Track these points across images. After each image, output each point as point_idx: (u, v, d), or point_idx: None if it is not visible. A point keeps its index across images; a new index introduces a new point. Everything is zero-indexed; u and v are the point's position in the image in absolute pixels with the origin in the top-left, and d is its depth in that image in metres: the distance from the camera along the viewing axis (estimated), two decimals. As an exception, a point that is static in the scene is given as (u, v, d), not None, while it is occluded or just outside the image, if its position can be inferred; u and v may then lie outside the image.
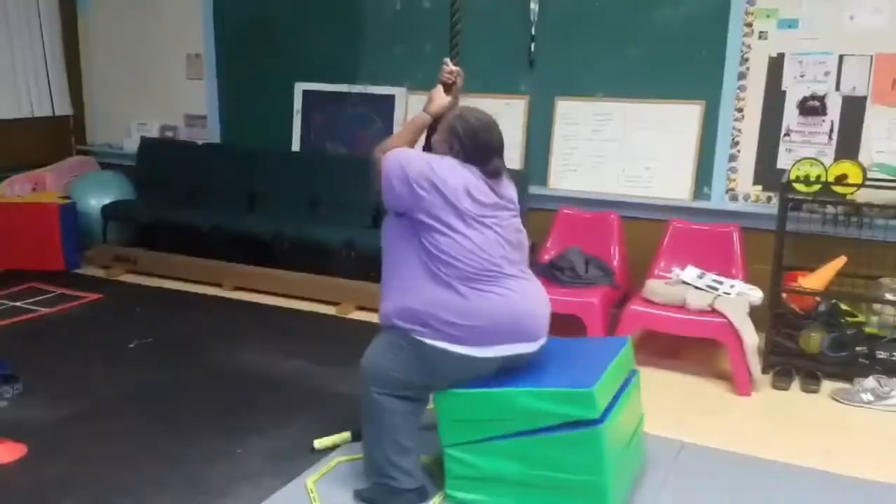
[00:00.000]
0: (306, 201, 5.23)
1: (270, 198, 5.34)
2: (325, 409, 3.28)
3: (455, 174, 2.43)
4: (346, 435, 2.96)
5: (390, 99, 5.09)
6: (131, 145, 5.90)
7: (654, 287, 3.84)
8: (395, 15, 4.99)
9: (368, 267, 4.72)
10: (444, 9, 4.77)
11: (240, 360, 3.83)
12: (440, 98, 2.69)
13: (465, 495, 2.52)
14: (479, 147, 2.48)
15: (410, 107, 5.01)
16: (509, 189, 2.60)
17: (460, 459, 2.49)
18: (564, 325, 4.02)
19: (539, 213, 4.61)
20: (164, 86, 5.86)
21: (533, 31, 4.55)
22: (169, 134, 5.89)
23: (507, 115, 4.70)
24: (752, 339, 3.62)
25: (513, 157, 4.73)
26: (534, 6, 4.51)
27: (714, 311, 3.68)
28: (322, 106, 5.33)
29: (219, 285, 5.04)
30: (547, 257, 4.40)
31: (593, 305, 3.88)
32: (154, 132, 5.91)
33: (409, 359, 2.45)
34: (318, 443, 2.93)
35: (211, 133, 5.76)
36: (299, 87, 5.37)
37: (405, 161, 2.45)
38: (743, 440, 3.12)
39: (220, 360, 3.83)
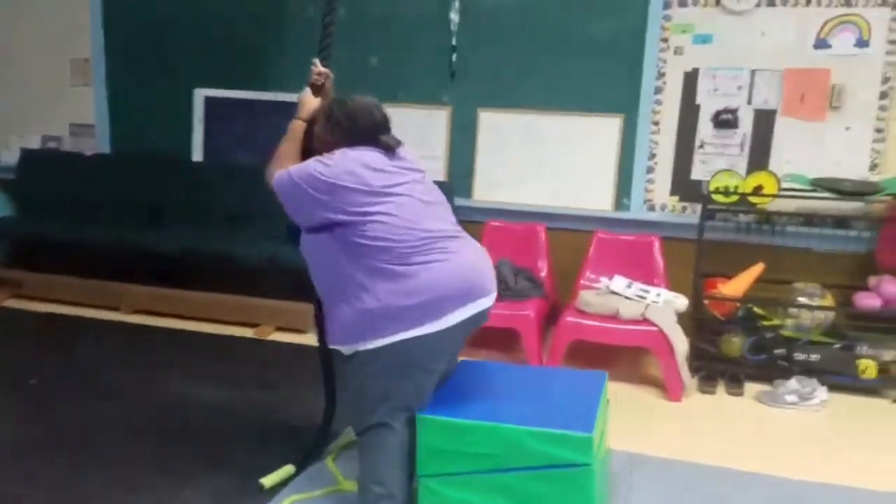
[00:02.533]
0: (215, 215, 4.92)
1: (174, 212, 4.99)
2: (263, 442, 3.06)
3: (345, 159, 2.34)
4: (290, 468, 2.77)
5: (302, 108, 4.87)
6: (10, 158, 5.36)
7: (587, 298, 3.87)
8: (306, 22, 4.79)
9: (288, 284, 4.51)
10: (361, 17, 4.67)
11: (158, 392, 3.52)
12: (310, 101, 2.60)
13: (439, 529, 2.40)
14: (361, 130, 2.42)
15: (324, 116, 4.82)
16: (409, 154, 2.51)
17: (437, 491, 2.37)
18: (498, 338, 4.01)
19: (464, 226, 4.53)
20: (47, 93, 5.37)
21: (454, 42, 4.49)
22: (52, 145, 5.40)
23: (430, 127, 4.63)
24: (682, 346, 3.71)
25: (437, 168, 4.65)
26: (454, 17, 4.46)
27: (645, 321, 3.74)
28: (227, 114, 5.04)
29: (116, 309, 4.65)
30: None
31: (529, 318, 3.86)
32: (35, 143, 5.39)
33: (385, 368, 2.30)
34: (267, 480, 2.72)
35: (100, 143, 5.33)
36: (200, 94, 5.06)
37: (296, 173, 2.35)
38: (688, 447, 3.17)
39: (137, 393, 3.51)
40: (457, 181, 4.63)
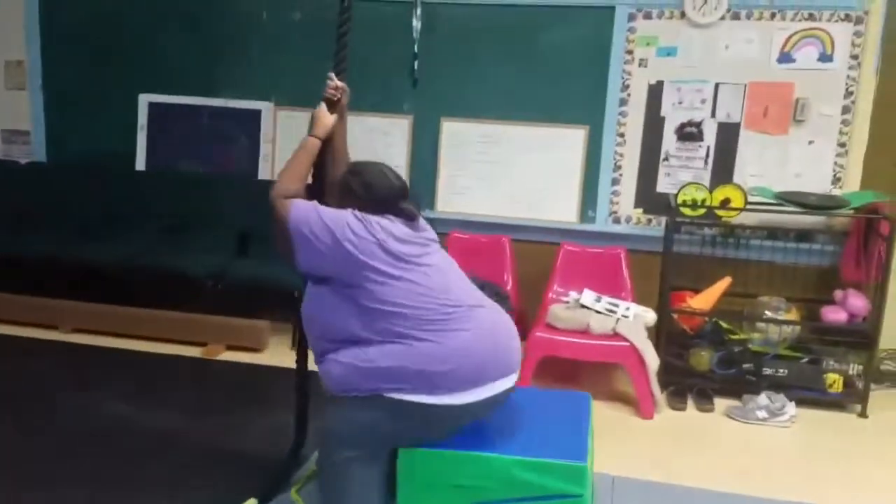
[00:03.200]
0: (160, 226, 4.65)
1: (115, 223, 4.69)
2: (218, 472, 2.85)
3: (383, 222, 2.22)
4: (253, 502, 2.57)
5: (256, 114, 4.67)
6: (-66, 165, 4.98)
7: (558, 313, 3.77)
8: (260, 26, 4.60)
9: (239, 300, 4.29)
10: (316, 21, 4.49)
11: (102, 418, 3.26)
12: (325, 117, 2.45)
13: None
14: (380, 199, 2.29)
15: (279, 122, 4.63)
16: (426, 225, 2.43)
17: (418, 528, 2.21)
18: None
19: (425, 238, 4.41)
20: (-24, 97, 5.02)
21: (416, 49, 4.36)
22: (-19, 151, 5.05)
23: (391, 136, 4.49)
24: (654, 361, 3.65)
25: (395, 179, 4.50)
26: (416, 23, 4.33)
27: (616, 335, 3.67)
28: (173, 120, 4.79)
29: (54, 327, 4.34)
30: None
31: (498, 335, 3.73)
32: (-38, 149, 5.04)
33: (382, 416, 2.15)
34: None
35: (36, 150, 5.00)
36: (144, 100, 4.80)
37: (325, 212, 2.21)
38: (665, 468, 3.09)
39: (78, 418, 3.25)
40: (419, 192, 4.48)
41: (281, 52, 4.56)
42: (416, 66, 4.39)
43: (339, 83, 2.49)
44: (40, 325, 4.33)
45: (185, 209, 4.65)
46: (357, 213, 2.22)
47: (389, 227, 2.22)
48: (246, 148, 4.70)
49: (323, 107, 2.46)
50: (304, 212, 2.21)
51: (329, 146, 2.50)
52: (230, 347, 4.20)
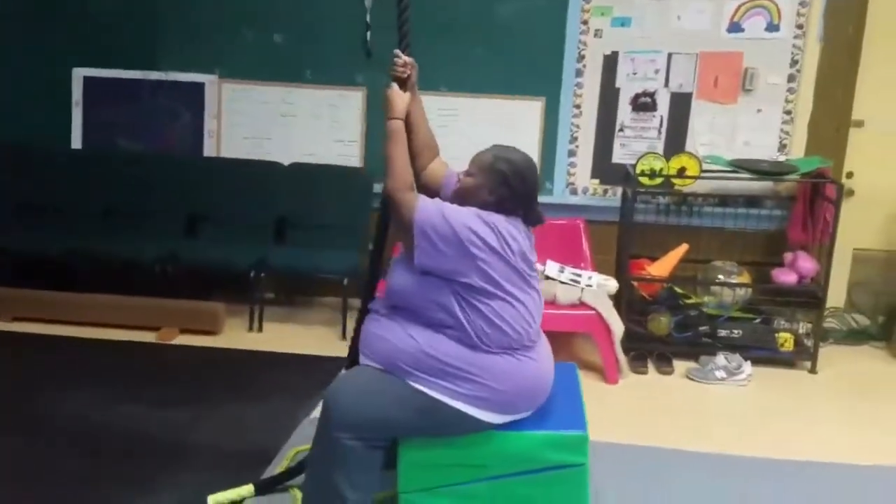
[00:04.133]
0: (101, 208, 4.44)
1: (53, 206, 4.45)
2: (193, 463, 2.75)
3: (512, 231, 2.14)
4: (249, 488, 2.50)
5: (199, 88, 4.48)
6: None
7: (523, 285, 3.78)
8: (200, -7, 4.40)
9: (192, 282, 4.15)
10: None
11: (60, 412, 3.10)
12: (399, 97, 2.32)
13: (422, 543, 2.23)
14: (528, 192, 2.21)
15: (224, 96, 4.45)
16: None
17: (418, 504, 2.20)
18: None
19: (383, 214, 4.35)
20: None
21: (368, 20, 4.25)
22: None
23: (344, 109, 4.39)
24: (619, 328, 3.72)
25: (351, 153, 4.42)
26: (368, -7, 4.22)
27: (582, 305, 3.72)
28: (110, 96, 4.54)
29: (-8, 317, 4.10)
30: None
31: (466, 308, 3.73)
32: None
33: (413, 413, 2.11)
34: (213, 500, 2.45)
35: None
36: (79, 74, 4.53)
37: (451, 215, 2.09)
38: (635, 431, 3.17)
39: (36, 413, 3.08)
40: (375, 166, 4.42)
41: (225, 21, 4.37)
42: (368, 37, 4.29)
43: (407, 59, 2.36)
44: (-26, 316, 4.08)
45: (127, 189, 4.45)
46: (485, 216, 2.12)
47: (518, 239, 2.15)
48: (189, 124, 4.51)
49: (394, 86, 2.34)
50: (428, 213, 2.10)
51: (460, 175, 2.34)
52: (184, 331, 4.05)
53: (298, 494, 2.51)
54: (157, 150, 4.54)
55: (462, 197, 2.22)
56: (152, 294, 4.11)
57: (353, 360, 2.43)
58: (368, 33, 4.28)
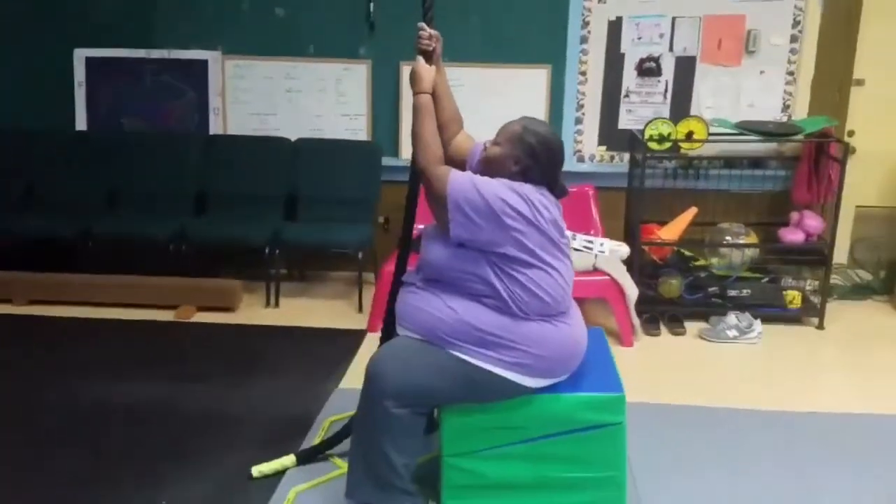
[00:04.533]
0: (110, 190, 4.44)
1: (61, 190, 4.44)
2: (231, 436, 2.80)
3: (543, 200, 2.17)
4: (291, 458, 2.56)
5: (202, 65, 4.46)
6: None
7: (538, 252, 3.84)
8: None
9: (203, 260, 4.17)
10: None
11: (91, 392, 3.13)
12: (425, 70, 2.35)
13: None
14: (555, 163, 2.24)
15: (228, 73, 4.44)
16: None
17: (462, 468, 2.26)
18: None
19: (394, 186, 4.34)
20: None
21: (371, -9, 4.25)
22: None
23: (348, 82, 4.39)
24: (634, 292, 3.79)
25: (358, 127, 4.43)
26: (370, -36, 4.20)
27: (596, 271, 3.78)
28: (113, 76, 4.51)
29: (8, 301, 4.10)
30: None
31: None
32: None
33: (455, 381, 2.16)
34: (257, 470, 2.51)
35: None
36: (80, 55, 4.49)
37: (483, 187, 2.12)
38: (655, 391, 3.24)
39: (66, 393, 3.11)
40: (381, 139, 4.44)
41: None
42: (371, 9, 4.28)
43: (433, 31, 2.37)
44: (-9, 300, 4.09)
45: (136, 169, 4.44)
46: (516, 186, 2.15)
47: (549, 208, 2.18)
48: (194, 102, 4.49)
49: (420, 60, 2.36)
50: (462, 186, 2.12)
51: (486, 146, 2.34)
52: (201, 308, 4.09)
53: (339, 462, 2.58)
54: (162, 129, 4.53)
55: (488, 165, 2.25)
56: (165, 273, 4.14)
57: (388, 333, 2.48)
58: (371, 5, 4.27)
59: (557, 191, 2.28)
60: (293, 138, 4.44)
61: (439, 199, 2.16)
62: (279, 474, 2.52)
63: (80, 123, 4.54)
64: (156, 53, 4.47)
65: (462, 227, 2.13)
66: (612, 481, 2.27)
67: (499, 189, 2.14)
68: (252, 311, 4.11)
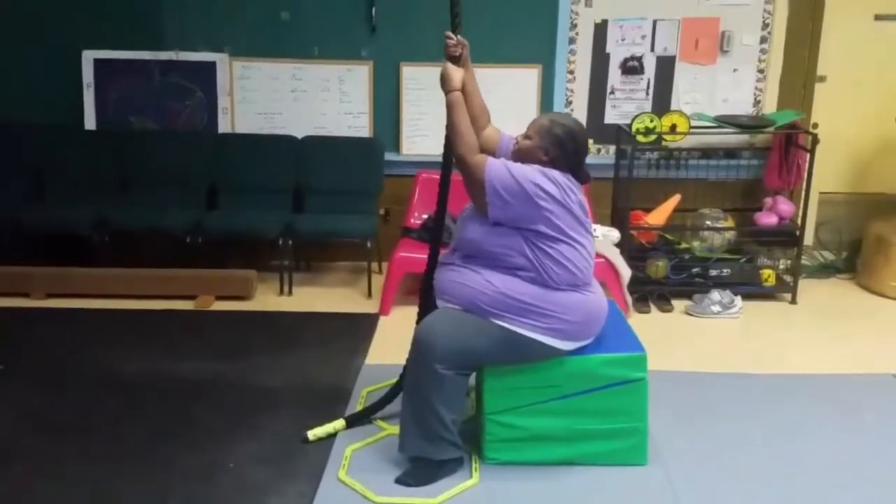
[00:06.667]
0: (123, 186, 4.61)
1: (75, 186, 4.58)
2: (278, 405, 3.05)
3: (570, 184, 2.45)
4: (341, 422, 2.82)
5: (210, 66, 4.65)
6: None
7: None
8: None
9: (218, 251, 4.38)
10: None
11: (131, 373, 3.34)
12: (454, 71, 2.59)
13: (506, 456, 2.59)
14: (580, 152, 2.53)
15: (236, 73, 4.64)
16: None
17: (503, 423, 2.55)
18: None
19: (396, 180, 4.65)
20: None
21: (373, -4, 4.50)
22: None
23: (350, 82, 4.63)
24: (627, 273, 4.12)
25: (361, 125, 4.68)
26: (372, -30, 4.45)
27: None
28: (122, 76, 4.67)
29: (26, 295, 4.24)
30: (413, 221, 4.47)
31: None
32: None
33: (496, 345, 2.45)
34: (312, 434, 2.76)
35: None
36: (89, 56, 4.64)
37: (517, 172, 2.39)
38: (654, 359, 3.48)
39: (110, 376, 3.31)
40: (383, 135, 4.69)
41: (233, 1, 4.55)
42: (373, 13, 4.53)
43: (458, 38, 2.61)
44: (7, 294, 4.20)
45: (148, 166, 4.61)
46: (547, 172, 2.42)
47: (575, 191, 2.46)
48: (203, 100, 4.68)
49: (449, 63, 2.60)
50: (497, 172, 2.40)
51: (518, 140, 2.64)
52: (221, 297, 4.28)
53: (382, 424, 2.85)
54: (170, 129, 4.69)
55: (521, 157, 2.54)
56: (177, 265, 4.32)
57: (424, 309, 2.74)
58: (373, 9, 4.52)
59: (582, 176, 2.57)
60: (299, 136, 4.66)
61: (478, 184, 2.43)
62: (331, 437, 2.77)
63: (90, 123, 4.69)
64: (164, 55, 4.64)
65: (499, 208, 2.41)
66: (636, 431, 2.58)
67: (531, 174, 2.42)
68: (267, 299, 4.32)
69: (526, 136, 2.56)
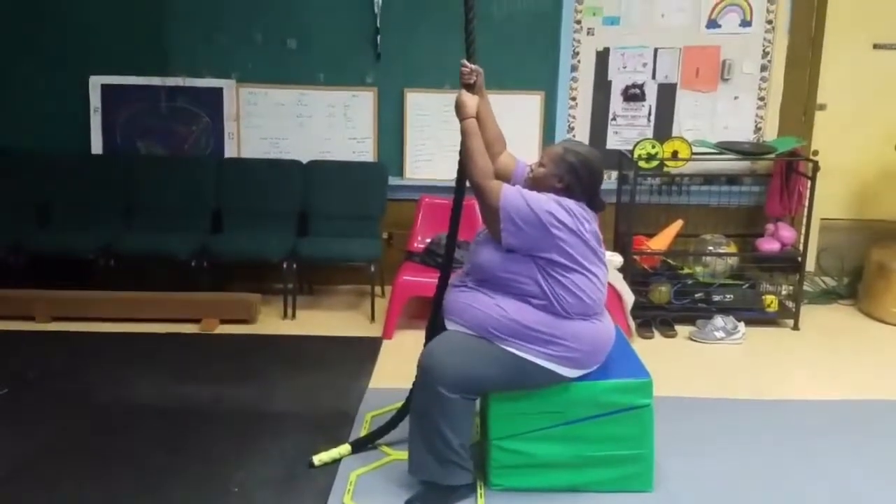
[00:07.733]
0: (129, 209, 4.65)
1: (81, 209, 4.62)
2: (282, 430, 3.05)
3: (584, 214, 2.47)
4: (347, 447, 2.82)
5: (217, 92, 4.71)
6: None
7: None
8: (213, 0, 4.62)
9: (222, 275, 4.40)
10: (276, -2, 4.58)
11: (135, 396, 3.34)
12: (469, 99, 2.63)
13: (512, 482, 2.59)
14: (595, 180, 2.53)
15: (243, 99, 4.69)
16: None
17: (509, 449, 2.55)
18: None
19: (399, 204, 4.69)
20: None
21: (378, 24, 4.55)
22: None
23: (356, 108, 4.68)
24: (630, 297, 4.14)
25: (366, 150, 4.72)
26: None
27: (595, 278, 4.12)
28: (129, 102, 4.73)
29: (30, 318, 4.25)
30: (416, 245, 4.50)
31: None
32: None
33: (502, 371, 2.45)
34: (318, 459, 2.75)
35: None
36: (96, 82, 4.70)
37: (532, 200, 2.40)
38: (658, 385, 3.53)
39: (115, 400, 3.31)
40: (387, 160, 4.73)
41: (239, 27, 4.61)
42: (378, 41, 4.59)
43: (474, 66, 2.66)
44: (12, 318, 4.21)
45: (151, 191, 4.65)
46: (561, 201, 2.43)
47: (590, 220, 2.48)
48: (209, 126, 4.73)
49: (464, 91, 2.66)
50: (512, 199, 2.40)
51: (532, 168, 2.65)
52: (225, 321, 4.28)
53: (387, 450, 2.84)
54: (177, 154, 4.74)
55: (535, 185, 2.55)
56: (182, 289, 4.34)
57: (433, 330, 2.75)
58: (378, 37, 4.58)
59: (596, 205, 2.57)
60: (304, 161, 4.70)
61: (492, 210, 2.44)
62: (336, 462, 2.77)
63: (97, 148, 4.73)
64: (171, 81, 4.70)
65: (513, 235, 2.42)
66: (642, 457, 2.59)
67: (546, 203, 2.43)
68: (270, 323, 4.33)
69: (540, 164, 2.58)
